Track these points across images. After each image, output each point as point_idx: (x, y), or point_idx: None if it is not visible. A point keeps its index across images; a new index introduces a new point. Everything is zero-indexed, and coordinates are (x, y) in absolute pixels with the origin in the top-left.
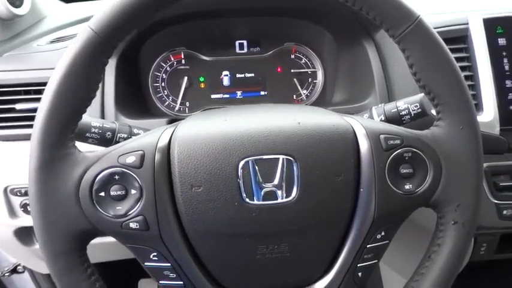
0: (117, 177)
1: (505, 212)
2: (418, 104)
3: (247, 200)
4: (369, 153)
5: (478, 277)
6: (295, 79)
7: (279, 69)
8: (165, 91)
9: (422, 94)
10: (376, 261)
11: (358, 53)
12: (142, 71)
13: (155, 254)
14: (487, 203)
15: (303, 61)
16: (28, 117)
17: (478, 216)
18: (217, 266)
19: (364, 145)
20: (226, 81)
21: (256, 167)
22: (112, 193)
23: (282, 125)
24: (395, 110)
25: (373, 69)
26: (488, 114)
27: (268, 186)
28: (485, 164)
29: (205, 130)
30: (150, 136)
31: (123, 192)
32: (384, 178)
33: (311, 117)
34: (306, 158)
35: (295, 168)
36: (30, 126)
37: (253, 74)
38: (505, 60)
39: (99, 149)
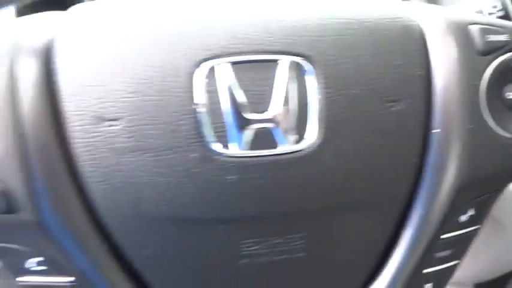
0: None
1: None
2: (497, 3)
3: (218, 148)
4: (449, 61)
5: None
6: None
7: None
8: None
9: None
10: (456, 262)
11: None
12: None
13: (40, 259)
14: None
15: None
16: None
17: None
18: (165, 280)
19: (440, 46)
20: None
21: (235, 79)
22: None
23: (287, 6)
24: None
25: None
26: None
27: (258, 120)
28: None
29: (125, 13)
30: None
31: None
32: (478, 108)
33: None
34: (333, 63)
35: (311, 83)
36: None
37: None
38: None
39: None
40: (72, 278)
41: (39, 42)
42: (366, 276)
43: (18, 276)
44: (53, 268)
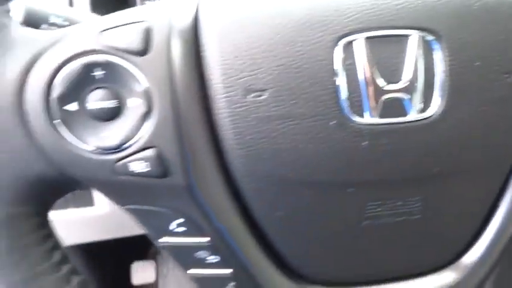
0: (99, 72)
1: None
2: None
3: (353, 116)
4: None
5: None
6: None
7: None
8: None
9: None
10: None
11: None
12: None
13: (181, 221)
14: None
15: None
16: None
17: None
18: (290, 241)
19: None
20: None
21: (369, 53)
22: (92, 105)
23: None
24: None
25: None
26: None
27: (390, 91)
28: None
29: None
30: (154, 6)
31: (115, 102)
32: None
33: None
34: (457, 37)
35: (437, 55)
36: None
37: None
38: None
39: None
40: (208, 238)
41: (188, 21)
42: (471, 237)
43: (160, 238)
44: (192, 229)
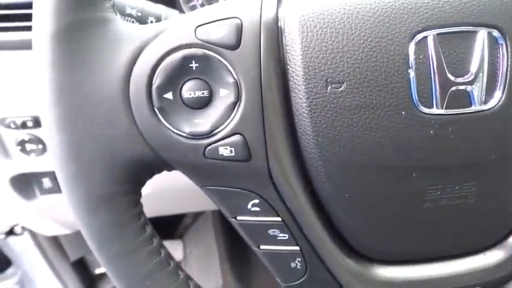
0: (195, 65)
1: None
2: None
3: (422, 106)
4: None
5: None
6: None
7: None
8: None
9: None
10: None
11: None
12: None
13: (256, 201)
14: None
15: None
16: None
17: None
18: (354, 222)
19: None
20: None
21: (440, 48)
22: (186, 94)
23: None
24: None
25: None
26: None
27: (457, 83)
28: None
29: None
30: (243, 2)
31: (206, 92)
32: None
33: None
34: None
35: (502, 51)
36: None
37: None
38: None
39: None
40: (279, 218)
41: (272, 17)
42: None
43: (236, 216)
44: (266, 209)
